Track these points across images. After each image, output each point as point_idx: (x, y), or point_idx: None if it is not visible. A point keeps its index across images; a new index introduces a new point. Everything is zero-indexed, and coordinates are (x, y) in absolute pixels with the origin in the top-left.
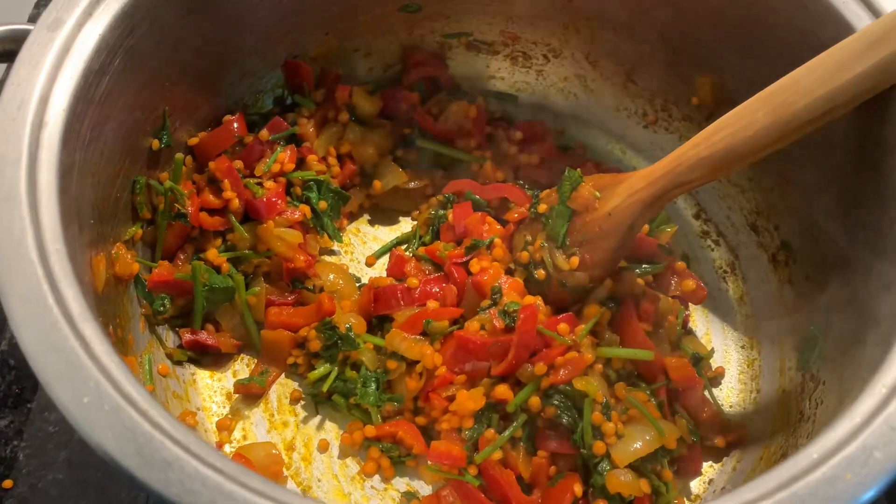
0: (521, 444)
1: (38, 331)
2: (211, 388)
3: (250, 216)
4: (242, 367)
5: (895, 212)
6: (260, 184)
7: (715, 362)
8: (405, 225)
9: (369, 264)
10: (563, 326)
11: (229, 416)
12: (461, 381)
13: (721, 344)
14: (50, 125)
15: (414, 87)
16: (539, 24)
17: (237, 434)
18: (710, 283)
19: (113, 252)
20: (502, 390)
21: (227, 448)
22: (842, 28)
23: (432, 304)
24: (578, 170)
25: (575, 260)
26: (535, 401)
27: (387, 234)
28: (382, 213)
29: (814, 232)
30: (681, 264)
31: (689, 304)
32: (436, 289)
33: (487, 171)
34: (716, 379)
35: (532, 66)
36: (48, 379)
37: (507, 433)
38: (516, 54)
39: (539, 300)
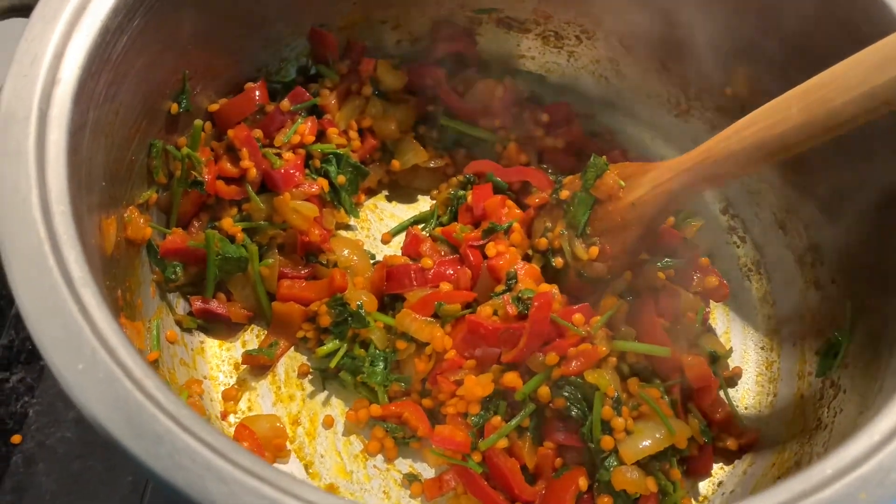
0: (528, 433)
1: (36, 292)
2: (219, 358)
3: (267, 187)
4: (252, 338)
5: None
6: (279, 154)
7: (733, 362)
8: (424, 203)
9: (385, 242)
10: (578, 317)
11: (236, 386)
12: (470, 365)
13: (740, 343)
14: (63, 82)
15: (441, 63)
16: (573, 4)
17: (243, 405)
18: (733, 281)
19: (126, 215)
20: (511, 378)
21: (232, 418)
22: (887, 21)
23: (445, 287)
24: (604, 157)
25: (594, 250)
26: (544, 391)
27: (405, 211)
28: (401, 191)
29: (845, 235)
30: (704, 260)
31: (711, 301)
32: (450, 271)
33: (511, 153)
34: (732, 379)
35: (564, 46)
36: (44, 342)
37: (513, 422)
38: (548, 34)
39: (555, 288)
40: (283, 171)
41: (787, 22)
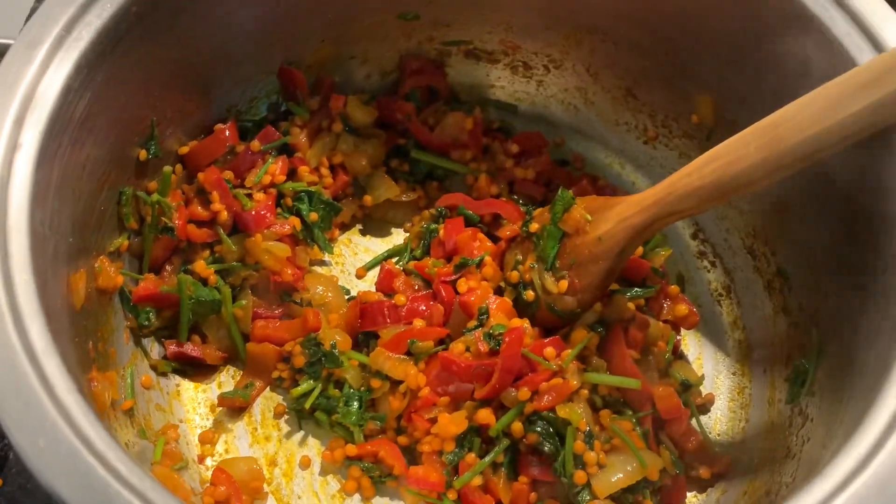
0: (503, 469)
1: None
2: (195, 401)
3: (239, 228)
4: (228, 380)
5: (889, 254)
6: (250, 195)
7: (705, 388)
8: (398, 237)
9: (360, 276)
10: (549, 350)
11: (212, 428)
12: (444, 402)
13: (712, 369)
14: (24, 147)
15: (410, 97)
16: (540, 35)
17: (220, 447)
18: (704, 305)
19: (96, 265)
20: (485, 415)
21: (209, 461)
22: (843, 60)
23: (418, 323)
24: (570, 191)
25: (564, 283)
26: (517, 426)
27: (379, 245)
28: (375, 224)
29: (810, 262)
30: (674, 288)
31: (682, 328)
32: (423, 307)
33: (481, 185)
34: (705, 406)
35: (532, 76)
36: (5, 419)
37: (487, 459)
38: (517, 64)
39: (526, 323)
40: (253, 212)
41: (747, 56)
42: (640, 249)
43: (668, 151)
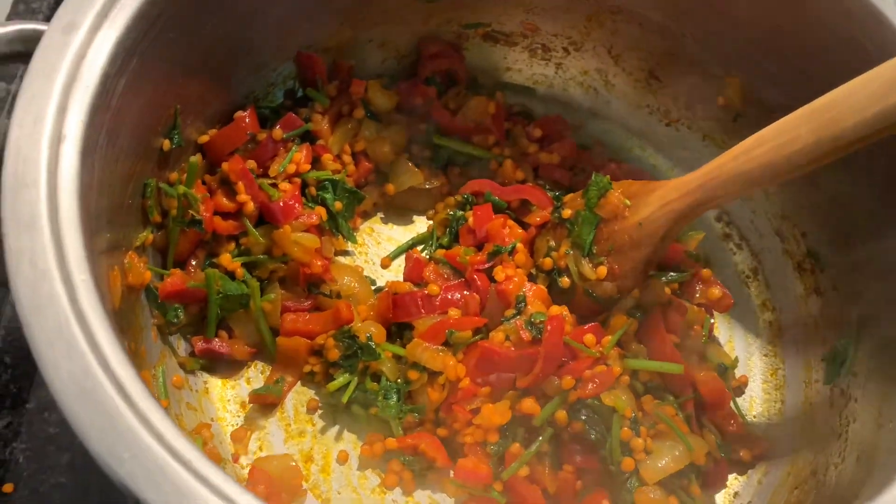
0: (547, 458)
1: (70, 378)
2: (224, 398)
3: (265, 219)
4: (256, 375)
5: None
6: (275, 185)
7: (738, 371)
8: (420, 224)
9: (384, 266)
10: (589, 338)
11: (244, 426)
12: (485, 393)
13: (744, 351)
14: (68, 139)
15: (430, 81)
16: (560, 16)
17: (253, 445)
18: (731, 288)
19: (126, 261)
20: (529, 404)
21: (244, 460)
22: (891, 38)
23: (454, 313)
24: (607, 176)
25: (603, 269)
26: (561, 415)
27: (401, 233)
28: (396, 212)
29: (845, 242)
30: (706, 271)
31: (715, 313)
32: (457, 296)
33: (507, 171)
34: (739, 388)
35: (551, 58)
36: (85, 431)
37: (533, 448)
38: (535, 46)
39: (565, 310)
40: (282, 203)
41: (781, 37)
42: None
43: (691, 133)
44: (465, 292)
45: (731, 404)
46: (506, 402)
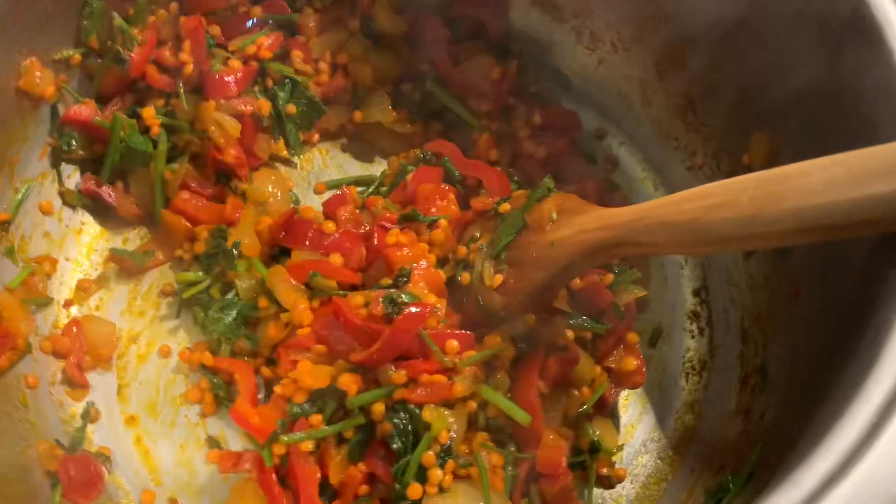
0: (346, 447)
1: None
2: (93, 247)
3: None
4: (135, 239)
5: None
6: (227, 60)
7: (622, 461)
8: (379, 166)
9: (318, 191)
10: (452, 344)
11: (95, 280)
12: (319, 351)
13: (641, 445)
14: None
15: (454, 23)
16: (619, 5)
17: (93, 302)
18: (668, 371)
19: (23, 63)
20: (348, 380)
21: (75, 310)
22: None
23: (335, 259)
24: (552, 181)
25: (498, 278)
26: (378, 408)
27: (355, 167)
28: (361, 145)
29: (794, 370)
30: (633, 337)
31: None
32: (348, 244)
33: (482, 145)
34: (609, 480)
35: (597, 50)
36: None
37: (330, 429)
38: (584, 30)
39: (442, 304)
40: (218, 76)
41: (828, 98)
42: (609, 277)
43: None
44: (359, 244)
45: (585, 491)
46: (329, 369)
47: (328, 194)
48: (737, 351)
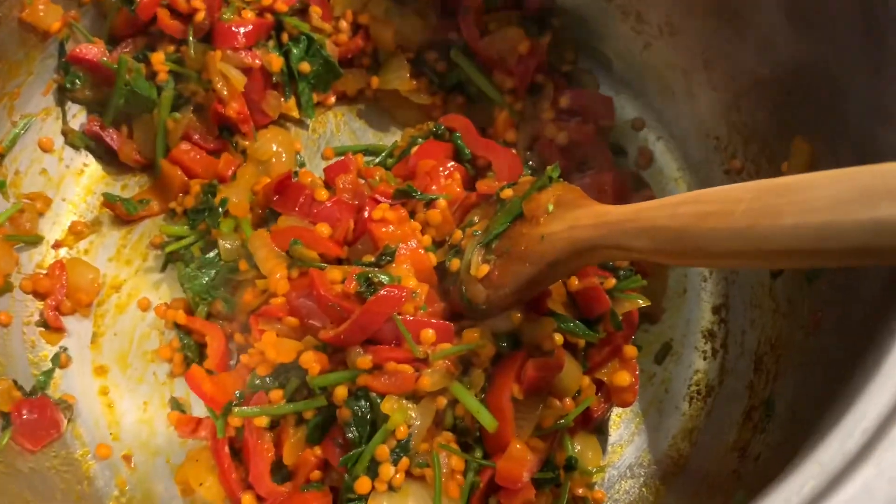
0: (304, 428)
1: None
2: (92, 189)
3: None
4: (134, 187)
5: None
6: (241, 10)
7: (605, 482)
8: (393, 137)
9: (325, 156)
10: (427, 333)
11: (88, 223)
12: (291, 323)
13: (626, 469)
14: None
15: None
16: None
17: (83, 245)
18: (671, 393)
19: None
20: (310, 358)
21: (63, 251)
22: None
23: (322, 229)
24: (557, 170)
25: (484, 268)
26: (341, 392)
27: (369, 135)
28: (378, 112)
29: (800, 411)
30: (630, 350)
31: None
32: (338, 215)
33: (499, 124)
34: (585, 501)
35: (642, 32)
36: None
37: (289, 407)
38: (631, 9)
39: (423, 289)
40: (227, 25)
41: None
42: (611, 281)
43: None
44: (349, 215)
45: None
46: (297, 344)
47: (335, 160)
48: (747, 379)
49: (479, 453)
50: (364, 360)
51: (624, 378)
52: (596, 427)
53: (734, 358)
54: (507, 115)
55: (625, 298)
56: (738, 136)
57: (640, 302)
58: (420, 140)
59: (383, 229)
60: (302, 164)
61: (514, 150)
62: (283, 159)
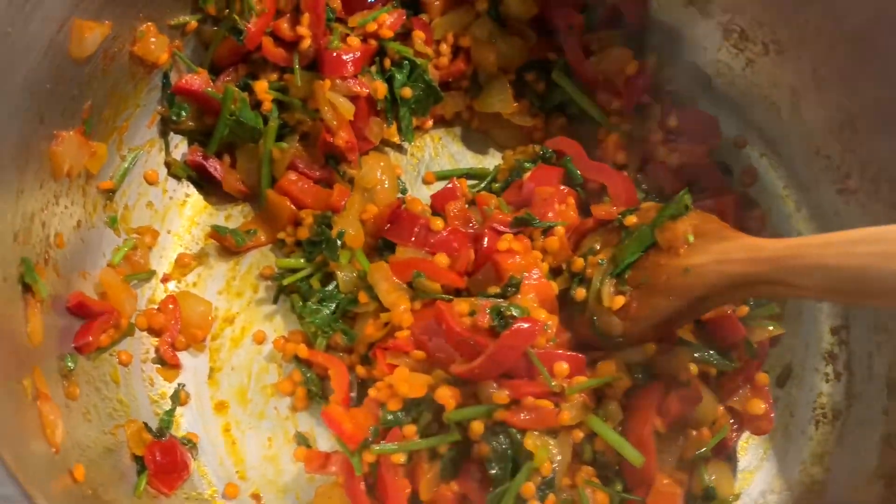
0: (439, 462)
1: None
2: (196, 220)
3: (317, 67)
4: (238, 216)
5: None
6: (346, 36)
7: None
8: (493, 159)
9: (426, 181)
10: (561, 366)
11: (195, 255)
12: (418, 357)
13: (759, 494)
14: None
15: (587, 9)
16: (776, 3)
17: (191, 278)
18: (796, 416)
19: (140, 28)
20: (446, 393)
21: (172, 285)
22: None
23: (441, 259)
24: (689, 198)
25: (620, 300)
26: (477, 426)
27: (468, 158)
28: (477, 135)
29: None
30: (763, 378)
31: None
32: (456, 244)
33: (609, 147)
34: None
35: (745, 50)
36: None
37: (423, 443)
38: (733, 28)
39: (554, 320)
40: (335, 54)
41: None
42: (744, 309)
43: (862, 215)
44: (467, 245)
45: None
46: (428, 378)
47: (437, 185)
48: (880, 405)
49: (618, 486)
50: (500, 394)
51: (758, 406)
52: (727, 455)
53: (862, 381)
54: (618, 137)
55: (758, 326)
56: (853, 156)
57: (774, 330)
58: (527, 164)
59: (510, 260)
60: (404, 190)
61: (625, 173)
62: (387, 186)
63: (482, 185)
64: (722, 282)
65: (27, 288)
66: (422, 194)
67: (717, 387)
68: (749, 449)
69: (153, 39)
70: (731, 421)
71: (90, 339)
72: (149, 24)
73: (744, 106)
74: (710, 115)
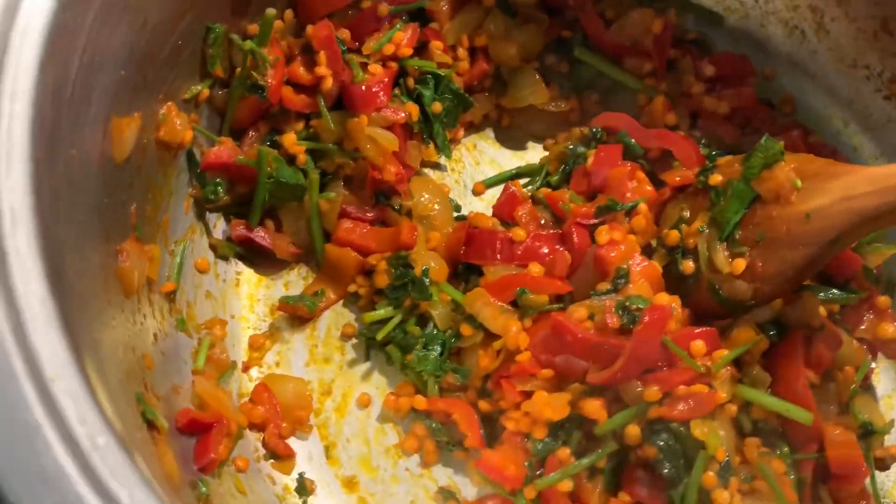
0: (602, 476)
1: None
2: (254, 297)
3: (344, 103)
4: (297, 281)
5: None
6: (365, 65)
7: (891, 438)
8: (534, 153)
9: (477, 192)
10: (698, 345)
11: (267, 333)
12: (546, 376)
13: None
14: None
15: None
16: None
17: (270, 358)
18: None
19: (161, 111)
20: (594, 407)
21: (255, 372)
22: None
23: (535, 269)
24: (781, 143)
25: (740, 263)
26: (633, 431)
27: (508, 158)
28: (509, 132)
29: None
30: (884, 300)
31: (879, 354)
32: (546, 249)
33: (656, 110)
34: (884, 461)
35: None
36: None
37: (585, 461)
38: None
39: (676, 301)
40: (364, 87)
41: None
42: None
43: None
44: (556, 247)
45: (868, 482)
46: (566, 395)
47: (488, 194)
48: None
49: (785, 449)
50: (651, 391)
51: (888, 329)
52: (866, 387)
53: None
54: (664, 98)
55: (872, 251)
56: (893, 60)
57: (888, 250)
58: (581, 149)
59: (612, 253)
60: (457, 208)
61: (682, 133)
62: (439, 208)
63: (538, 182)
64: (853, 219)
65: (151, 425)
66: (475, 207)
67: (843, 322)
68: (882, 377)
69: (177, 120)
70: (866, 352)
71: (212, 455)
72: (168, 104)
73: (764, 38)
74: (740, 54)
